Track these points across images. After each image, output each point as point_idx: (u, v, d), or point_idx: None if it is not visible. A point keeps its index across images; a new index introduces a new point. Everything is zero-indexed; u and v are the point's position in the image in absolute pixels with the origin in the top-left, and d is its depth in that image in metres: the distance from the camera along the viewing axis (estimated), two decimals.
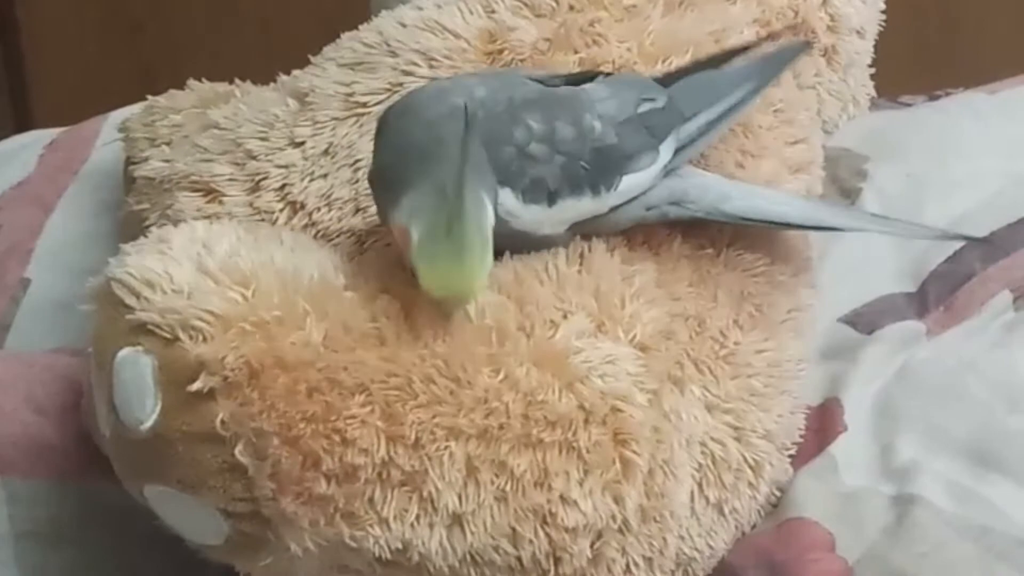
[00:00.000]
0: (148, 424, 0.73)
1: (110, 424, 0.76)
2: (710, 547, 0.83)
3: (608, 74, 0.85)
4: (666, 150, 0.82)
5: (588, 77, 0.83)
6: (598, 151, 0.80)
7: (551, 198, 0.79)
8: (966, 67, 1.46)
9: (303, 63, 0.95)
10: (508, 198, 0.78)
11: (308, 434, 0.72)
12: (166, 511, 0.76)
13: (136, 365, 0.73)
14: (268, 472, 0.72)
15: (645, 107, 0.82)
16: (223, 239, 0.77)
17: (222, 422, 0.72)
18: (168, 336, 0.73)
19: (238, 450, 0.72)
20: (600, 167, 0.80)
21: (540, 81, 0.81)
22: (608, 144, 0.80)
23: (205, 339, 0.73)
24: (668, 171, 0.83)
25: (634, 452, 0.77)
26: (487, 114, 0.77)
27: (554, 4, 0.92)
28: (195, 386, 0.72)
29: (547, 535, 0.76)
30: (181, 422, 0.73)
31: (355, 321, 0.75)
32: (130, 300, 0.74)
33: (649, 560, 0.79)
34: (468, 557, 0.75)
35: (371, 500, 0.74)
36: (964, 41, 1.66)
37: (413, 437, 0.74)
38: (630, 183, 0.81)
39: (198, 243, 0.77)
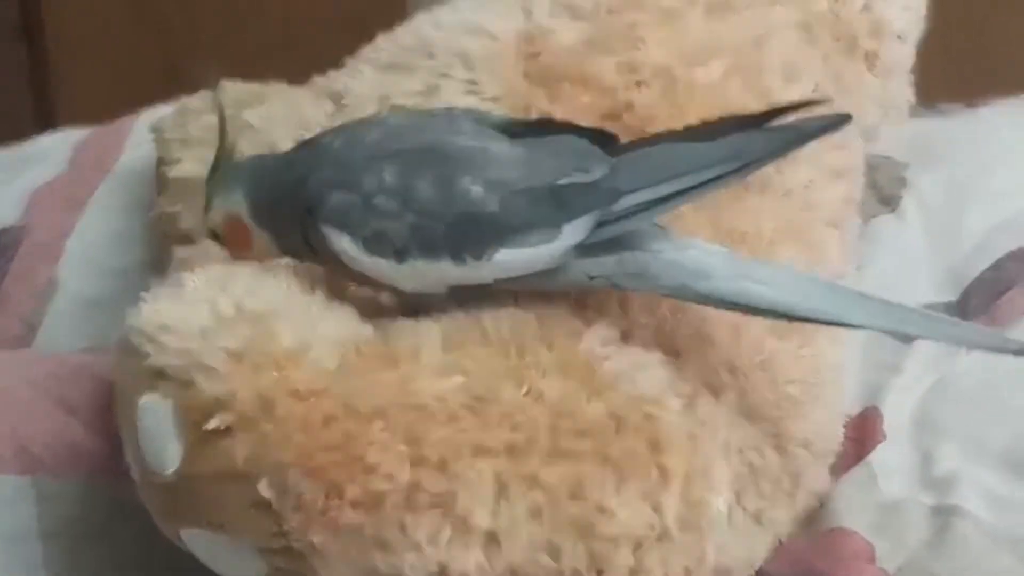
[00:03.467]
0: (173, 468, 0.74)
1: (139, 471, 0.76)
2: (748, 557, 0.82)
3: (563, 131, 0.79)
4: (574, 230, 0.75)
5: (551, 127, 0.79)
6: (467, 216, 0.75)
7: (399, 255, 0.76)
8: (995, 76, 1.45)
9: (328, 64, 0.95)
10: (344, 242, 0.76)
11: (328, 463, 0.72)
12: (205, 554, 0.76)
13: (156, 411, 0.74)
14: (293, 505, 0.72)
15: (570, 179, 0.76)
16: (239, 279, 0.77)
17: (243, 459, 0.72)
18: (184, 378, 0.73)
19: (261, 486, 0.72)
20: (465, 233, 0.75)
21: (493, 125, 0.78)
22: (484, 211, 0.75)
23: (220, 378, 0.73)
24: (603, 243, 0.76)
25: (670, 459, 0.76)
26: (341, 159, 0.76)
27: (593, 7, 0.91)
28: (211, 424, 0.72)
29: (587, 546, 0.75)
30: (204, 463, 0.73)
31: (368, 346, 0.75)
32: (147, 347, 0.75)
33: (688, 570, 0.78)
34: (509, 573, 0.74)
35: (402, 525, 0.73)
36: (993, 49, 1.66)
37: (437, 458, 0.73)
38: (512, 257, 0.76)
39: (213, 285, 0.77)
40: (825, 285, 0.78)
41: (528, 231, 0.75)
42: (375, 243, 0.76)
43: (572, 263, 0.76)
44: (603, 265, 0.77)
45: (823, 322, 0.77)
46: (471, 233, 0.75)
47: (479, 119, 0.79)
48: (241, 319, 0.75)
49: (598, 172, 0.76)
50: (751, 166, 0.76)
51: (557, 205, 0.75)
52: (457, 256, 0.76)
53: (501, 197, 0.75)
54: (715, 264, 0.77)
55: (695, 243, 0.78)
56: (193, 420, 0.73)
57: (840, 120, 0.77)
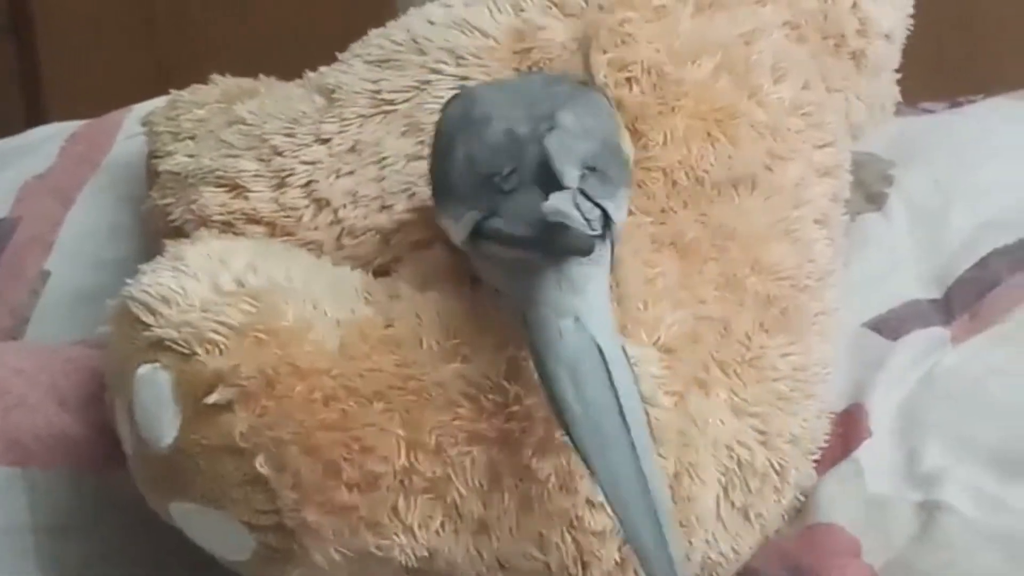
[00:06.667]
0: (169, 440, 0.74)
1: (132, 443, 0.76)
2: (735, 552, 0.82)
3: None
4: (469, 219, 0.75)
5: None
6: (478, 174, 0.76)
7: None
8: (984, 75, 1.45)
9: (318, 61, 0.95)
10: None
11: (326, 443, 0.72)
12: (192, 528, 0.76)
13: (154, 382, 0.74)
14: (289, 483, 0.72)
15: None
16: (239, 254, 0.78)
17: (241, 434, 0.72)
18: (185, 351, 0.74)
19: (259, 461, 0.72)
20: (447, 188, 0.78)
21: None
22: (485, 172, 0.75)
23: (221, 352, 0.73)
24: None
25: (659, 455, 0.77)
26: (513, 119, 0.76)
27: (583, 4, 0.91)
28: (212, 398, 0.72)
29: (574, 540, 0.75)
30: (201, 436, 0.73)
31: (371, 327, 0.75)
32: (147, 317, 0.75)
33: None
34: (496, 563, 0.75)
35: (395, 508, 0.73)
36: (982, 48, 1.66)
37: (433, 443, 0.73)
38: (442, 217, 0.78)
39: (214, 259, 0.77)
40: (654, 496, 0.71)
41: (459, 204, 0.76)
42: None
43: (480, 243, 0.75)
44: (516, 283, 0.74)
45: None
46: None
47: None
48: (243, 295, 0.75)
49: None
50: None
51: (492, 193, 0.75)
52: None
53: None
54: (589, 361, 0.71)
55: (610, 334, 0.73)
56: (193, 393, 0.73)
57: None
